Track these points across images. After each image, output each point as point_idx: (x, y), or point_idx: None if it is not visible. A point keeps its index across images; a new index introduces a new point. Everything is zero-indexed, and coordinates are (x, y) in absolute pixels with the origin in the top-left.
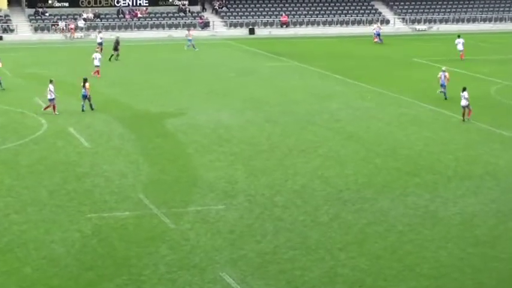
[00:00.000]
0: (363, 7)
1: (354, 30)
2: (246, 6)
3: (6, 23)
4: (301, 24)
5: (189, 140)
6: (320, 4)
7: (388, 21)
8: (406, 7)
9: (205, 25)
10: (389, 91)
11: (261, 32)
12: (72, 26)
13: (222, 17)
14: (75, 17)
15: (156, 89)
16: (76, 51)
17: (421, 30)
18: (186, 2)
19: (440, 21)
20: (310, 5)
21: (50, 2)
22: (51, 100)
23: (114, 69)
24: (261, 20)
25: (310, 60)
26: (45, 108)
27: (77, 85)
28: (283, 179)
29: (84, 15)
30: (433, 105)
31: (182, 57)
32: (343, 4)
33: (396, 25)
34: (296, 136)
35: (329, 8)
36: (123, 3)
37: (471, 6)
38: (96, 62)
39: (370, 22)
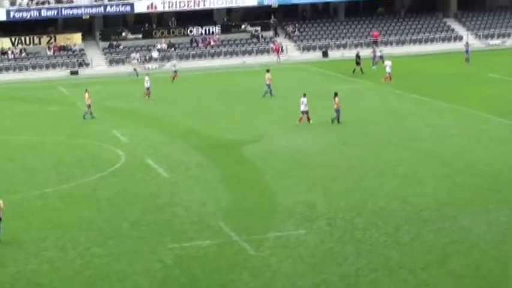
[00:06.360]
0: (435, 25)
1: (427, 48)
2: (318, 29)
3: (81, 57)
4: None
5: (267, 166)
6: (392, 24)
7: (461, 38)
8: (478, 22)
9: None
10: (466, 107)
11: (334, 54)
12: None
13: (295, 41)
14: (149, 48)
15: (232, 117)
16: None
17: (495, 45)
18: (259, 28)
19: None
20: (383, 25)
21: (123, 34)
22: (304, 112)
23: (190, 98)
24: (334, 43)
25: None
26: (300, 120)
27: (155, 116)
28: (362, 200)
29: (158, 46)
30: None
31: (256, 84)
32: (416, 23)
33: (469, 41)
34: (375, 157)
35: (401, 27)
36: (196, 32)
37: None
38: None
39: (443, 40)
